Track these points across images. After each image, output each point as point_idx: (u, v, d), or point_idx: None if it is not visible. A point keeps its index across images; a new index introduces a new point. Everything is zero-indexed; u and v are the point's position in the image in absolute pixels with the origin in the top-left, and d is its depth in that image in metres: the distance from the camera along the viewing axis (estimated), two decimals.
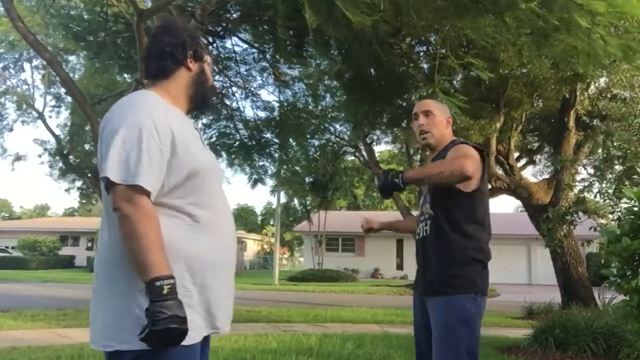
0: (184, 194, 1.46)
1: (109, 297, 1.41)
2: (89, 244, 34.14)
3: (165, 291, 1.29)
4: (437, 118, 2.32)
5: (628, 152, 7.55)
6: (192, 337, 1.40)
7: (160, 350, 1.34)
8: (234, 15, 9.12)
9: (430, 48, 7.71)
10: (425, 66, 8.04)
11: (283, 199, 26.42)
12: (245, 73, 10.46)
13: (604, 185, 8.12)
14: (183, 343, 1.35)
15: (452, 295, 2.12)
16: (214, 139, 11.12)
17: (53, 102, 18.93)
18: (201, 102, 1.67)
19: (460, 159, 2.07)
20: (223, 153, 11.21)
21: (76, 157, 18.11)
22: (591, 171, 10.40)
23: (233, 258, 1.60)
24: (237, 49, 10.17)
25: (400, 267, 28.10)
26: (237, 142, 11.07)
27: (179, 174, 1.44)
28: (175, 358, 1.38)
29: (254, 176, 11.54)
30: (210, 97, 1.73)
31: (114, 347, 1.38)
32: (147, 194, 1.37)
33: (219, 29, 9.51)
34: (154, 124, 1.41)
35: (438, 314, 2.14)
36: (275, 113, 10.95)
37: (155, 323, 1.26)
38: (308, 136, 11.75)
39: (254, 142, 11.09)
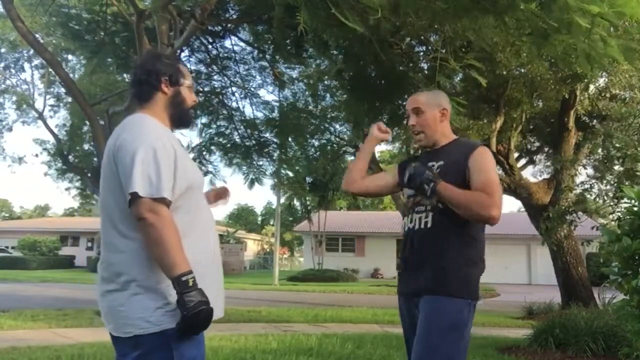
0: (181, 204, 1.68)
1: (134, 295, 1.62)
2: (89, 244, 34.10)
3: (190, 284, 1.55)
4: (428, 114, 2.21)
5: (627, 154, 7.54)
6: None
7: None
8: (234, 16, 9.11)
9: (430, 48, 7.70)
10: (425, 66, 8.03)
11: (283, 199, 26.39)
12: (244, 73, 10.45)
13: (603, 188, 8.12)
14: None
15: (448, 297, 1.99)
16: (214, 138, 11.09)
17: (52, 102, 18.91)
18: (179, 120, 1.88)
19: (491, 200, 1.95)
20: (221, 152, 11.18)
21: (76, 157, 18.09)
22: (591, 171, 10.39)
23: (218, 259, 1.83)
24: (236, 48, 10.16)
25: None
26: (236, 142, 11.04)
27: (180, 187, 1.67)
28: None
29: (251, 176, 11.48)
30: (189, 116, 1.92)
31: (133, 332, 1.60)
32: (168, 204, 1.60)
33: (219, 29, 9.50)
34: (162, 144, 1.65)
35: (430, 313, 2.00)
36: (275, 113, 10.93)
37: (188, 309, 1.52)
38: (308, 136, 11.72)
39: (253, 142, 11.07)
